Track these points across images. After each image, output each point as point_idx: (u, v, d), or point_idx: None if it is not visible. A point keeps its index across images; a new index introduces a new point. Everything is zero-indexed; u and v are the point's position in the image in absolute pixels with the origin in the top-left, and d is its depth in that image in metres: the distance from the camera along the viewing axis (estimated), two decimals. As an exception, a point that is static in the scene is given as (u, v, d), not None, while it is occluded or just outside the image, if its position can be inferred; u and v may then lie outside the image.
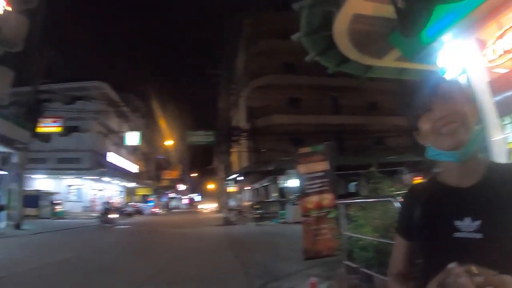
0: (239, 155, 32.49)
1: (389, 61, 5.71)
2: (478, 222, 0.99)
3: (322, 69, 6.79)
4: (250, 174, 27.06)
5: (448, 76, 3.50)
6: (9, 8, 16.24)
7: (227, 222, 20.86)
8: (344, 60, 6.14)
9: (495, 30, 3.88)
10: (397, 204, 2.95)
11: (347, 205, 4.96)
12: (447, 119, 1.03)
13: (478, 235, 0.98)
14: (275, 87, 25.95)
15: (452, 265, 0.79)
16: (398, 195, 3.82)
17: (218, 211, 40.26)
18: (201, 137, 25.97)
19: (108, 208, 23.09)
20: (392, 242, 3.47)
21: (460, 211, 1.04)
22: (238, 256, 8.76)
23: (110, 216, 21.63)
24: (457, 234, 1.01)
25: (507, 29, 3.71)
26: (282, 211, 21.04)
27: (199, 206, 72.05)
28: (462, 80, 3.30)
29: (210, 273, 6.86)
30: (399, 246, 1.25)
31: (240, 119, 32.69)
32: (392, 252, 1.29)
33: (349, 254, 4.07)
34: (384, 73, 6.42)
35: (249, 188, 34.65)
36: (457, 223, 1.02)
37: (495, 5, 3.68)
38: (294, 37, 5.84)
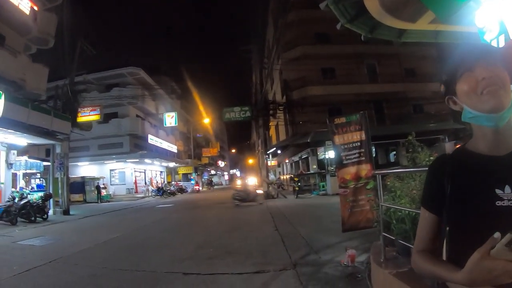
0: (277, 128, 32.48)
1: (424, 24, 5.41)
2: None
3: (356, 37, 6.57)
4: (289, 147, 26.98)
5: (487, 37, 3.30)
6: (35, 8, 16.73)
7: (267, 196, 21.05)
8: (377, 25, 5.89)
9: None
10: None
11: (385, 175, 4.83)
12: (490, 80, 1.00)
13: None
14: (309, 58, 25.43)
15: (497, 234, 0.81)
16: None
17: (258, 186, 40.59)
18: (237, 113, 26.09)
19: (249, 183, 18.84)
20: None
21: (499, 180, 1.02)
22: (278, 229, 8.88)
23: (257, 191, 17.55)
24: (499, 203, 1.00)
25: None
26: (321, 183, 21.02)
27: (238, 182, 72.36)
28: (501, 41, 3.08)
29: (250, 247, 7.01)
30: (425, 220, 1.21)
31: (275, 92, 32.51)
32: (418, 227, 1.25)
33: (387, 226, 4.00)
34: (419, 37, 6.12)
35: (288, 161, 34.75)
36: (498, 191, 1.01)
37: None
38: (322, 5, 5.64)
